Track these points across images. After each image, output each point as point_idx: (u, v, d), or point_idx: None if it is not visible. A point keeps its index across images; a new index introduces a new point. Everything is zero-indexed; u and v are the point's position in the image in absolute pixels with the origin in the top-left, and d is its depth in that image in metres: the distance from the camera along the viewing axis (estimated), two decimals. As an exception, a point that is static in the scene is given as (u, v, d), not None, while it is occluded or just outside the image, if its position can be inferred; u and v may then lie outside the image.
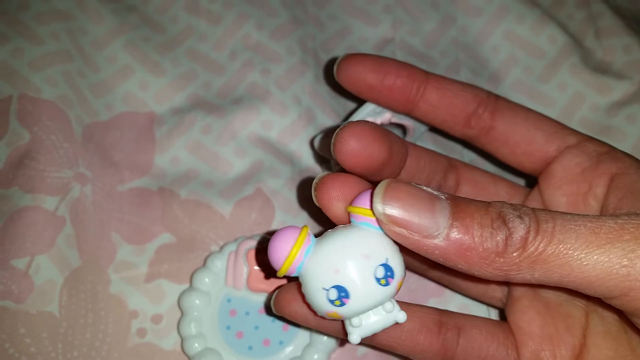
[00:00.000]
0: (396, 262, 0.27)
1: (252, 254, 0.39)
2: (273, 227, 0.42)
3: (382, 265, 0.26)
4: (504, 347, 0.33)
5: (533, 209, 0.25)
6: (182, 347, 0.38)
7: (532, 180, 0.40)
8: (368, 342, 0.32)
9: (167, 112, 0.45)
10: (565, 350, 0.32)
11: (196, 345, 0.37)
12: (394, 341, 0.32)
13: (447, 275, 0.37)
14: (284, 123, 0.45)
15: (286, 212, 0.43)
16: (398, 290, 0.27)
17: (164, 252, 0.41)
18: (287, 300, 0.32)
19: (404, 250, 0.27)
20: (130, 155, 0.44)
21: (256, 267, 0.38)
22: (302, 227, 0.27)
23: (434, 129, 0.40)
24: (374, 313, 0.27)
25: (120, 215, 0.42)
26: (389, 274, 0.26)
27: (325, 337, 0.37)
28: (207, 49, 0.47)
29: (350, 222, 0.27)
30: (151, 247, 0.41)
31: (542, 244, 0.24)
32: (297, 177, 0.44)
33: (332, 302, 0.26)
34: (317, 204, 0.29)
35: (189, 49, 0.47)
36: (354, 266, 0.26)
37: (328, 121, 0.46)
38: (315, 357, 0.37)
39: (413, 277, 0.40)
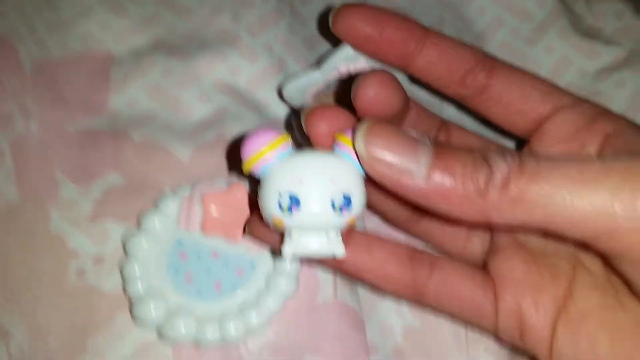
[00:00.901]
0: (357, 201, 0.26)
1: (209, 197, 0.35)
2: (234, 174, 0.39)
3: (344, 195, 0.26)
4: (482, 289, 0.30)
5: (518, 151, 0.24)
6: (123, 290, 0.34)
7: (521, 146, 0.38)
8: (336, 269, 0.31)
9: (126, 54, 0.42)
10: (549, 300, 0.29)
11: (139, 286, 0.34)
12: (362, 269, 0.30)
13: (426, 227, 0.35)
14: (253, 70, 0.43)
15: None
16: (347, 226, 0.27)
17: (112, 193, 0.38)
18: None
19: (385, 198, 0.28)
20: (83, 94, 0.41)
21: (213, 210, 0.35)
22: (285, 134, 0.27)
23: (412, 82, 0.38)
24: (316, 237, 0.27)
25: (67, 153, 0.39)
26: (346, 205, 0.26)
27: (282, 283, 0.34)
28: None
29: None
30: (98, 187, 0.38)
31: (524, 183, 0.23)
32: (264, 125, 0.41)
33: (281, 207, 0.26)
34: (305, 133, 0.28)
35: None
36: (317, 183, 0.26)
37: (300, 71, 0.43)
38: (270, 303, 0.33)
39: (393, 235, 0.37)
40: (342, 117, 0.29)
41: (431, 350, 0.35)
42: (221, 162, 0.39)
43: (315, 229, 0.27)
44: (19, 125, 0.38)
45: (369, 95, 0.28)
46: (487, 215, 0.24)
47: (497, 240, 0.32)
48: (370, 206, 0.35)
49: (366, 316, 0.35)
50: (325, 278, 0.35)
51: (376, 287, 0.31)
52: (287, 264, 0.34)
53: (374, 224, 0.38)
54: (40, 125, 0.39)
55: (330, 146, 0.28)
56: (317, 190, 0.26)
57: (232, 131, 0.40)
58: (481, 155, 0.25)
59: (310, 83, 0.37)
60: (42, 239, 0.36)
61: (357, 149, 0.26)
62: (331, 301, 0.35)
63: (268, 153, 0.27)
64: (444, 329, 0.35)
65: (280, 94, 0.42)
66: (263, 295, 0.34)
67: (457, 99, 0.35)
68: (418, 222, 0.35)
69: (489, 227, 0.33)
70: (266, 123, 0.42)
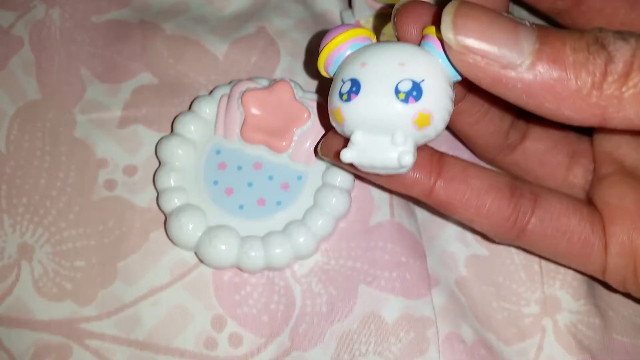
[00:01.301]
0: (432, 91, 0.22)
1: (249, 97, 0.31)
2: (277, 73, 0.35)
3: (413, 81, 0.21)
4: (589, 222, 0.26)
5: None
6: (157, 204, 0.31)
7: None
8: (424, 199, 0.26)
9: None
10: None
11: (175, 200, 0.30)
12: (455, 199, 0.26)
13: (521, 156, 0.31)
14: (297, -48, 0.37)
15: (294, 57, 0.35)
16: (418, 125, 0.22)
17: (143, 94, 0.34)
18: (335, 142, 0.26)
19: (477, 127, 0.26)
20: (109, -21, 0.36)
21: (254, 111, 0.31)
22: (370, 30, 0.23)
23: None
24: (380, 145, 0.22)
25: (93, 49, 0.35)
26: (414, 93, 0.21)
27: (333, 200, 0.30)
28: None
29: None
30: (127, 88, 0.34)
31: None
32: (310, 19, 0.37)
33: (341, 95, 0.22)
34: (394, 32, 0.24)
35: None
36: (381, 65, 0.22)
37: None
38: (320, 222, 0.30)
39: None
40: (432, 11, 0.24)
41: (500, 283, 0.31)
42: (261, 59, 0.35)
43: (377, 125, 0.22)
44: (39, 11, 0.34)
45: None
46: (603, 113, 0.20)
47: (602, 167, 0.28)
48: (456, 131, 0.31)
49: (426, 243, 0.31)
50: (380, 197, 0.32)
51: (469, 222, 0.27)
52: (338, 178, 0.30)
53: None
54: (63, 14, 0.35)
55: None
56: (380, 72, 0.22)
57: (274, 24, 0.36)
58: (595, 37, 0.20)
59: None
60: (66, 145, 0.32)
61: (444, 37, 0.21)
62: (387, 223, 0.31)
63: (341, 42, 0.23)
64: (514, 259, 0.32)
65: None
66: (311, 213, 0.30)
67: (552, 15, 0.30)
68: (512, 151, 0.30)
69: (602, 130, 0.29)
70: (312, 17, 0.37)
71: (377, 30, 0.36)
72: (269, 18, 0.36)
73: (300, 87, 0.32)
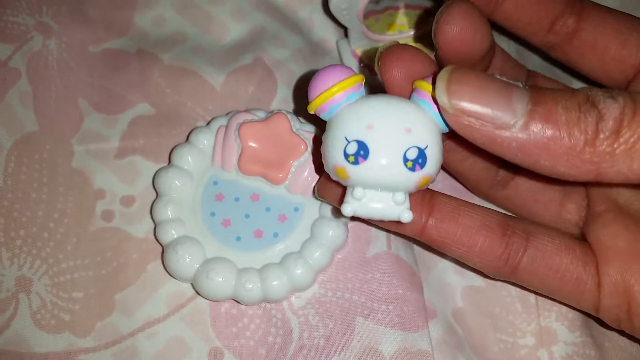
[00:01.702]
0: (433, 158, 0.23)
1: (246, 129, 0.31)
2: (274, 103, 0.35)
3: (418, 148, 0.22)
4: (581, 262, 0.26)
5: (627, 91, 0.21)
6: (155, 235, 0.31)
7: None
8: (416, 237, 0.27)
9: (153, -36, 0.37)
10: None
11: (172, 232, 0.30)
12: (447, 237, 0.27)
13: (513, 193, 0.31)
14: (294, -17, 0.37)
15: (291, 87, 0.35)
16: (419, 186, 0.23)
17: (140, 125, 0.34)
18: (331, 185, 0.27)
19: (465, 158, 0.26)
20: (107, 11, 0.37)
21: (251, 143, 0.31)
22: (359, 74, 0.24)
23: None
24: (380, 198, 0.23)
25: (91, 79, 0.35)
26: (420, 160, 0.22)
27: (330, 232, 0.30)
28: None
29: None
30: (125, 118, 0.34)
31: None
32: (307, 49, 0.37)
33: (346, 155, 0.23)
34: (379, 76, 0.25)
35: None
36: (389, 131, 0.22)
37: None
38: (317, 254, 0.30)
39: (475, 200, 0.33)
40: (422, 60, 0.24)
41: (496, 314, 0.31)
42: (259, 89, 0.35)
43: (382, 186, 0.23)
44: (35, 42, 0.34)
45: (453, 32, 0.23)
46: (597, 168, 0.21)
47: (596, 205, 0.28)
48: (446, 167, 0.31)
49: (423, 274, 0.32)
50: (377, 229, 0.32)
51: (461, 259, 0.28)
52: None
53: (448, 190, 0.33)
54: (60, 44, 0.35)
55: (406, 94, 0.24)
56: (389, 139, 0.22)
57: (270, 54, 0.36)
58: (586, 96, 0.21)
59: None
60: (64, 176, 0.32)
61: (438, 100, 0.21)
62: (384, 254, 0.31)
63: (338, 92, 0.23)
64: (511, 291, 0.32)
65: (327, 9, 0.37)
66: (308, 245, 0.30)
67: (544, 48, 0.31)
68: (504, 186, 0.31)
69: (596, 184, 0.29)
70: (309, 46, 0.37)
71: (373, 60, 0.36)
72: (265, 48, 0.36)
73: (297, 118, 0.32)
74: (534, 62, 0.38)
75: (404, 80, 0.24)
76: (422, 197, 0.27)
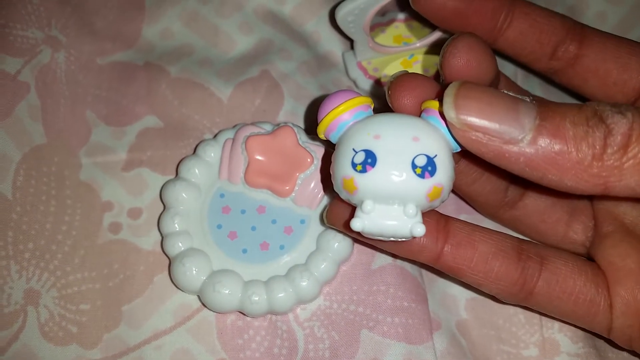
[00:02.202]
0: (444, 165, 0.23)
1: (253, 142, 0.31)
2: (281, 116, 0.35)
3: (427, 156, 0.22)
4: (593, 284, 0.27)
5: (635, 106, 0.21)
6: (162, 247, 0.31)
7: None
8: (431, 264, 0.27)
9: (160, -24, 0.38)
10: None
11: (179, 244, 0.31)
12: (463, 264, 0.26)
13: (521, 213, 0.31)
14: (300, -3, 0.38)
15: (297, 100, 0.36)
16: (430, 198, 0.22)
17: (148, 137, 0.34)
18: (341, 210, 0.27)
19: (474, 179, 0.26)
20: (115, 24, 0.37)
21: (258, 157, 0.31)
22: (367, 97, 0.24)
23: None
24: (390, 213, 0.23)
25: (98, 91, 0.35)
26: (429, 168, 0.22)
27: (335, 244, 0.30)
28: None
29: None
30: (132, 130, 0.34)
31: None
32: (313, 61, 0.37)
33: (354, 165, 0.22)
34: (389, 104, 0.25)
35: None
36: (397, 139, 0.22)
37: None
38: (323, 266, 0.30)
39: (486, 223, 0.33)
40: (430, 88, 0.25)
41: (500, 325, 0.32)
42: (265, 102, 0.36)
43: (391, 196, 0.23)
44: (44, 56, 0.34)
45: (459, 64, 0.24)
46: (605, 182, 0.21)
47: (603, 225, 0.29)
48: (455, 189, 0.31)
49: (427, 285, 0.32)
50: (382, 240, 0.32)
51: (476, 286, 0.28)
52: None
53: (456, 213, 0.34)
54: (68, 57, 0.35)
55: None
56: (396, 147, 0.22)
57: (277, 67, 0.36)
58: (594, 111, 0.21)
59: (368, 5, 0.33)
60: (72, 189, 0.33)
61: (445, 115, 0.22)
62: (389, 266, 0.31)
63: (345, 110, 0.24)
64: (514, 303, 0.32)
65: (333, 21, 0.37)
66: (314, 257, 0.30)
67: (547, 74, 0.31)
68: (512, 207, 0.31)
69: (603, 198, 0.29)
70: (315, 59, 0.37)
71: (378, 70, 0.37)
72: (272, 61, 0.36)
73: (304, 131, 0.32)
74: (532, 83, 0.38)
75: (413, 109, 0.24)
76: (437, 223, 0.27)
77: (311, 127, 0.35)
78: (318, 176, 0.31)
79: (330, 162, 0.24)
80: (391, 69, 0.37)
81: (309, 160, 0.31)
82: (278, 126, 0.32)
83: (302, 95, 0.36)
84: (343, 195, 0.24)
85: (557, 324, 0.31)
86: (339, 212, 0.27)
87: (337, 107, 0.24)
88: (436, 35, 0.36)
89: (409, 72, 0.25)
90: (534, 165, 0.21)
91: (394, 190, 0.22)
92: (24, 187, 0.31)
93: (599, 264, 0.27)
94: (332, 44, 0.38)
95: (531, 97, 0.22)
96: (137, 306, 0.30)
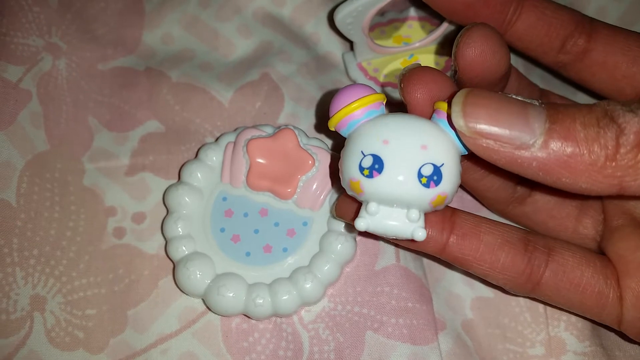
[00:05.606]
0: (449, 176, 0.23)
1: (254, 145, 0.31)
2: (281, 118, 0.35)
3: (434, 165, 0.22)
4: (602, 275, 0.26)
5: None
6: (166, 251, 0.31)
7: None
8: (437, 255, 0.27)
9: (159, -19, 0.38)
10: None
11: (183, 248, 0.31)
12: (469, 254, 0.26)
13: (530, 209, 0.31)
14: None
15: (297, 102, 0.36)
16: (434, 205, 0.23)
17: (150, 142, 0.34)
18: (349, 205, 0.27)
19: (482, 176, 0.26)
20: (115, 30, 0.37)
21: (259, 160, 0.31)
22: (380, 93, 0.24)
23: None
24: (394, 215, 0.24)
25: (100, 97, 0.35)
26: (435, 177, 0.22)
27: (338, 246, 0.30)
28: None
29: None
30: (135, 135, 0.34)
31: None
32: (313, 63, 0.37)
33: (361, 169, 0.23)
34: (401, 97, 0.25)
35: None
36: (405, 147, 0.23)
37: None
38: (326, 267, 0.30)
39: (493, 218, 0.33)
40: (443, 82, 0.24)
41: (505, 325, 0.32)
42: (266, 104, 0.36)
43: (395, 202, 0.23)
44: (45, 63, 0.34)
45: (473, 54, 0.24)
46: (620, 182, 0.21)
47: (612, 219, 0.29)
48: (463, 185, 0.31)
49: (432, 285, 0.32)
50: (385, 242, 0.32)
51: (483, 276, 0.28)
52: (343, 224, 0.31)
53: (465, 207, 0.34)
54: (70, 63, 0.35)
55: (428, 115, 0.25)
56: (404, 155, 0.23)
57: (277, 70, 0.36)
58: (604, 111, 0.21)
59: (366, 7, 0.33)
60: (75, 194, 0.33)
61: (454, 124, 0.22)
62: (393, 267, 0.31)
63: (357, 109, 0.24)
64: (519, 301, 0.32)
65: (332, 22, 0.37)
66: (317, 259, 0.30)
67: (555, 67, 0.31)
68: (521, 203, 0.31)
69: (618, 197, 0.29)
70: (315, 60, 0.37)
71: (378, 71, 0.37)
72: (272, 63, 0.36)
73: (305, 133, 0.32)
74: (532, 76, 0.38)
75: (426, 102, 0.24)
76: (443, 214, 0.27)
77: (321, 120, 0.35)
78: (320, 178, 0.31)
79: (339, 158, 0.25)
80: (391, 69, 0.37)
81: (310, 162, 0.31)
82: (279, 129, 0.32)
83: (302, 97, 0.36)
84: (350, 192, 0.25)
85: (563, 323, 0.31)
86: (347, 208, 0.27)
87: (349, 104, 0.24)
88: (436, 35, 0.36)
89: (422, 65, 0.25)
90: (547, 170, 0.21)
91: (398, 197, 0.23)
92: (28, 194, 0.31)
93: (609, 257, 0.27)
94: (331, 45, 0.38)
95: (540, 100, 0.22)
96: (142, 310, 0.31)
